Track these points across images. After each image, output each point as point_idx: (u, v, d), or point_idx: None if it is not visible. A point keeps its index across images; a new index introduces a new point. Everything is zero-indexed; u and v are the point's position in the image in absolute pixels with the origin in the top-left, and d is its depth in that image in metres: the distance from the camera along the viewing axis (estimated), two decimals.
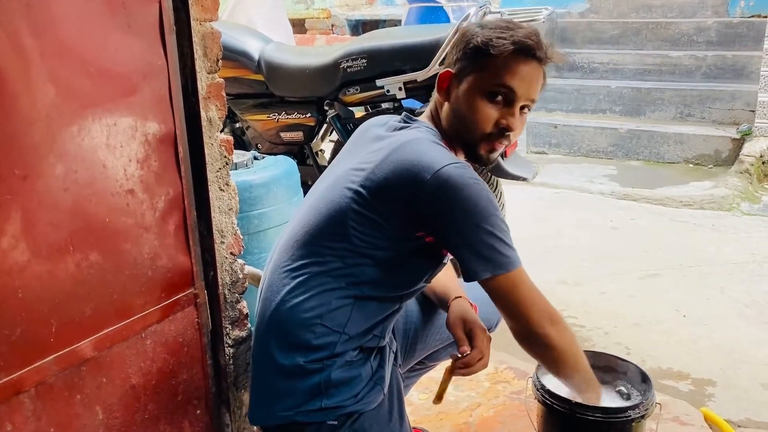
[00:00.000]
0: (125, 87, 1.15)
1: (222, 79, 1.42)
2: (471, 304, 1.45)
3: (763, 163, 4.48)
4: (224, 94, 1.43)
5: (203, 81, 1.36)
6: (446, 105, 1.33)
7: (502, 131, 1.29)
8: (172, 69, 1.24)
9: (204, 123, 1.35)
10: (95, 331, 1.14)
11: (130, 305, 1.21)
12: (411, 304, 1.55)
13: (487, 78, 1.26)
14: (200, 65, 1.34)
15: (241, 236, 1.51)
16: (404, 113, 1.39)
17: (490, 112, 1.27)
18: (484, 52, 1.25)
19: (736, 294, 2.81)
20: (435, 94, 1.37)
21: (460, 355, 1.36)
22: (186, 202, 1.30)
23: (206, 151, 1.35)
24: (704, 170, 4.81)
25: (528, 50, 1.25)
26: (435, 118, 1.37)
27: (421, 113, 1.46)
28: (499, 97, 1.27)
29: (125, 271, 1.18)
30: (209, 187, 1.37)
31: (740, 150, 4.62)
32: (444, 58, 2.36)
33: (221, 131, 1.44)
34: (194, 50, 1.31)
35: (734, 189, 4.13)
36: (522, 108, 1.29)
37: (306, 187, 2.40)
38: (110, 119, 1.13)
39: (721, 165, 4.77)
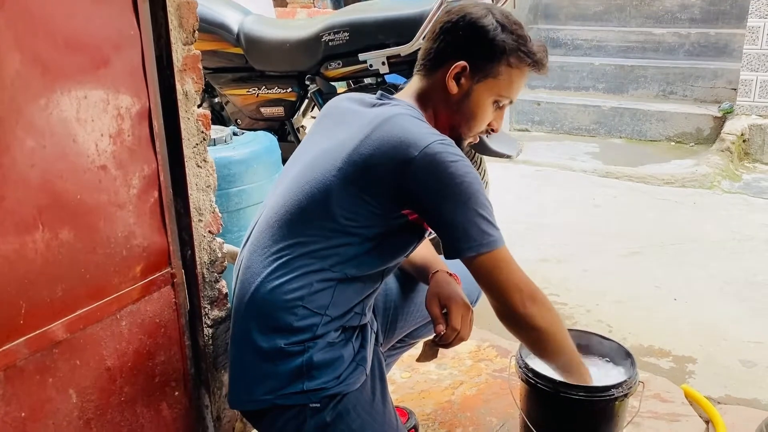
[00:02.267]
0: (96, 58, 1.10)
1: (199, 51, 1.37)
2: (451, 275, 1.43)
3: (744, 141, 4.51)
4: (201, 67, 1.38)
5: (179, 53, 1.31)
6: (452, 95, 1.30)
7: (486, 130, 1.36)
8: (145, 39, 1.19)
9: (180, 96, 1.31)
10: (67, 312, 1.10)
11: (104, 285, 1.17)
12: (390, 282, 1.52)
13: (501, 87, 1.29)
14: (176, 36, 1.29)
15: (220, 214, 1.47)
16: (379, 91, 1.36)
17: (490, 115, 1.33)
18: (504, 60, 1.27)
19: (717, 272, 2.83)
20: (423, 74, 1.33)
21: (435, 335, 1.36)
22: (161, 178, 1.25)
23: (182, 126, 1.31)
24: (686, 148, 4.83)
25: (539, 68, 1.30)
26: (421, 98, 1.33)
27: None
28: (502, 104, 1.33)
29: (98, 250, 1.14)
30: (186, 163, 1.33)
31: (722, 128, 4.64)
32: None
33: (199, 106, 1.39)
34: (169, 20, 1.26)
35: (715, 167, 4.15)
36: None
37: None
38: (80, 91, 1.08)
39: (703, 143, 4.79)
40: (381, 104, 1.31)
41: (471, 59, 1.27)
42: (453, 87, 1.29)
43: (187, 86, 1.34)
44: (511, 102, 1.34)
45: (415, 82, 1.36)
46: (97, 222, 1.14)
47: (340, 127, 1.31)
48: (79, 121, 1.08)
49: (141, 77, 1.19)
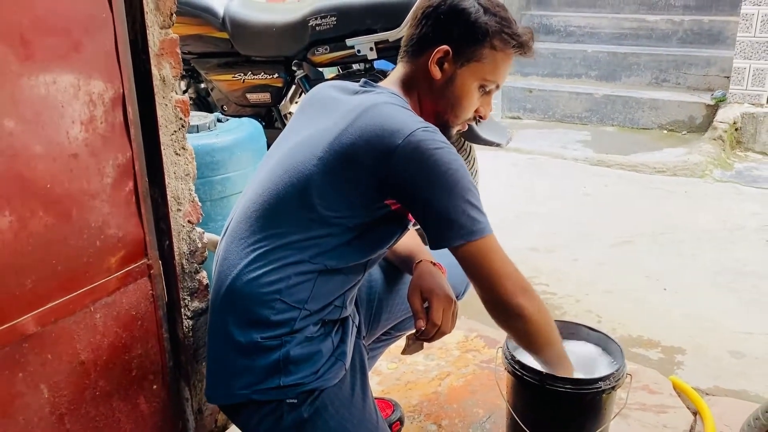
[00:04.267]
0: (65, 41, 1.06)
1: (177, 35, 1.33)
2: (435, 264, 1.40)
3: (736, 129, 4.49)
4: (179, 51, 1.34)
5: (155, 36, 1.26)
6: (436, 81, 1.27)
7: (474, 117, 1.33)
8: (118, 22, 1.14)
9: (156, 82, 1.27)
10: (38, 305, 1.06)
11: (77, 277, 1.13)
12: (375, 273, 1.49)
13: (486, 71, 1.26)
14: (152, 19, 1.25)
15: (202, 203, 1.44)
16: (363, 79, 1.32)
17: (475, 102, 1.29)
18: (488, 42, 1.24)
19: (708, 261, 2.82)
20: (410, 62, 1.30)
21: (416, 330, 1.33)
22: (137, 167, 1.21)
23: (159, 113, 1.27)
24: (678, 136, 4.81)
25: (524, 51, 1.27)
26: (405, 85, 1.30)
27: None
28: (488, 90, 1.29)
29: (70, 240, 1.10)
30: (163, 151, 1.29)
31: (714, 116, 4.62)
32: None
33: (184, 92, 1.35)
34: (144, 3, 1.22)
35: (707, 156, 4.13)
36: None
37: None
38: (49, 76, 1.03)
39: (695, 131, 4.77)
40: (364, 92, 1.27)
41: (453, 43, 1.24)
42: (436, 72, 1.25)
43: (165, 71, 1.30)
44: (497, 87, 1.30)
45: (399, 70, 1.32)
46: (68, 211, 1.10)
47: (321, 115, 1.27)
48: (49, 108, 1.04)
49: (114, 62, 1.15)
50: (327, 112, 1.25)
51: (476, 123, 1.39)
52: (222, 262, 1.23)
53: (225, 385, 1.20)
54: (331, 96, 1.30)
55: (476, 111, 1.31)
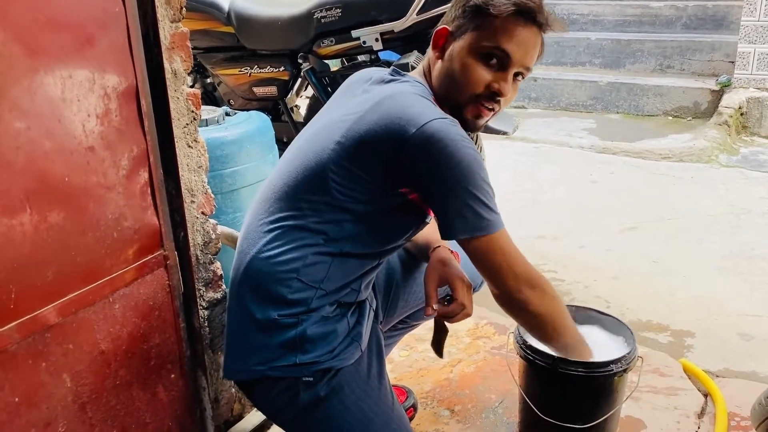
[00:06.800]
0: (80, 36, 1.07)
1: (187, 29, 1.35)
2: (452, 252, 1.42)
3: (742, 114, 4.48)
4: (189, 45, 1.35)
5: (166, 30, 1.28)
6: (439, 63, 1.27)
7: (492, 95, 1.24)
8: (130, 17, 1.16)
9: (168, 75, 1.28)
10: (59, 296, 1.08)
11: (96, 268, 1.15)
12: (393, 260, 1.51)
13: (483, 38, 1.21)
14: (162, 13, 1.26)
15: (213, 195, 1.45)
16: (392, 67, 1.33)
17: (482, 74, 1.22)
18: (483, 11, 1.21)
19: (714, 246, 2.83)
20: (429, 51, 1.31)
21: (425, 315, 1.36)
22: (151, 159, 1.23)
23: (171, 106, 1.28)
24: (683, 122, 4.80)
25: (529, 13, 1.21)
26: (427, 75, 1.31)
27: (400, 65, 1.40)
28: (494, 60, 1.22)
29: (88, 233, 1.12)
30: (176, 143, 1.31)
31: (719, 102, 4.62)
32: (421, 8, 2.30)
33: (191, 86, 1.37)
34: None
35: (713, 141, 4.13)
36: (516, 75, 1.25)
37: (281, 143, 2.34)
38: (65, 71, 1.05)
39: (700, 117, 4.76)
40: (390, 80, 1.28)
41: (453, 23, 1.26)
42: (437, 54, 1.27)
43: (176, 65, 1.31)
44: (505, 53, 1.21)
45: (424, 60, 1.34)
46: (86, 204, 1.12)
47: (345, 101, 1.30)
48: (65, 102, 1.06)
49: (127, 55, 1.16)
50: (350, 99, 1.27)
51: (492, 112, 1.32)
52: (242, 242, 1.26)
53: (242, 361, 1.23)
54: (358, 84, 1.33)
55: (489, 87, 1.22)
